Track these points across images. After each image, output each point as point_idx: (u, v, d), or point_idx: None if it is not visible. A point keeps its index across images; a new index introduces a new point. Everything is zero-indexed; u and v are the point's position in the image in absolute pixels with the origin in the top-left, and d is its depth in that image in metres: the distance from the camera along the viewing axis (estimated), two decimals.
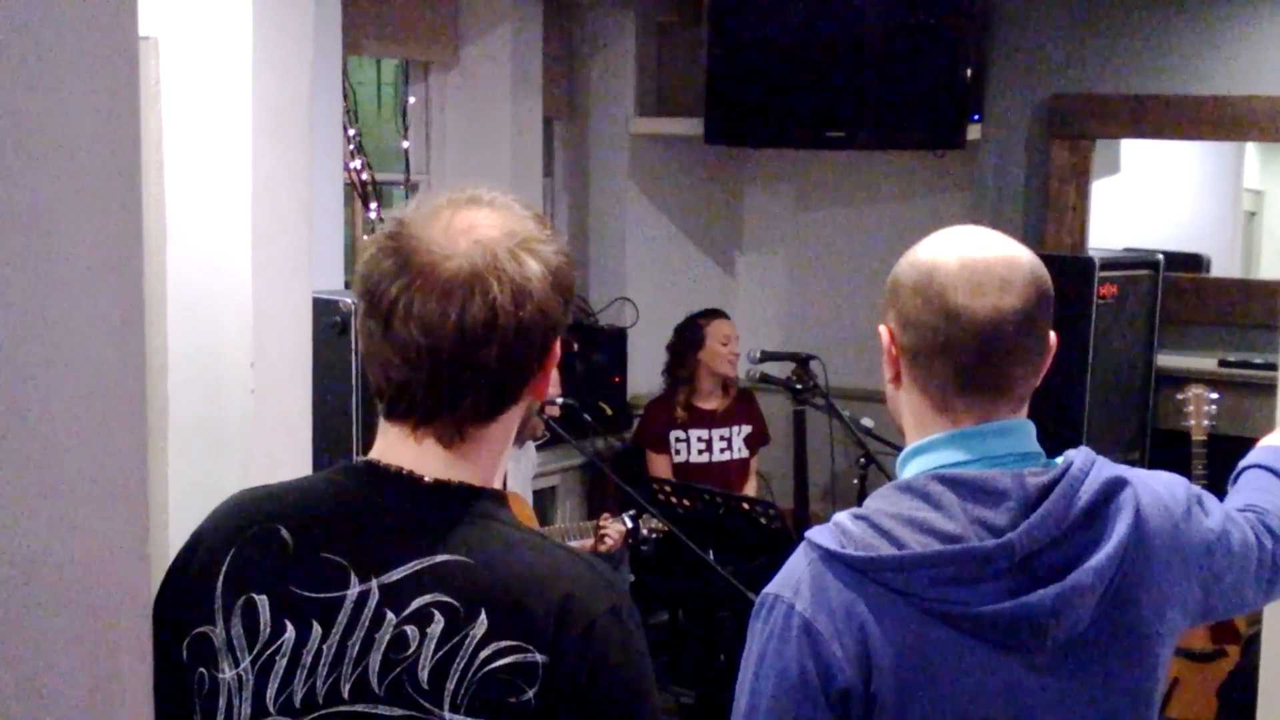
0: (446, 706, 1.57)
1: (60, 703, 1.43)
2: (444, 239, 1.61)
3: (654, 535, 5.12)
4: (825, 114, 6.35)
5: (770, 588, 1.87)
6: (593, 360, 6.49)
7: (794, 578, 1.84)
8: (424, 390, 1.62)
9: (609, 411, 6.43)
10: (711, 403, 6.29)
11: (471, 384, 1.62)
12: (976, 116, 6.31)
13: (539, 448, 5.66)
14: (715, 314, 6.33)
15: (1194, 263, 6.59)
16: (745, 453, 6.29)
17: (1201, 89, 6.03)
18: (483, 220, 1.64)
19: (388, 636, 1.60)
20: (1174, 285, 6.11)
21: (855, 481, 5.31)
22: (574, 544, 5.22)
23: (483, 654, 1.57)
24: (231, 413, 3.50)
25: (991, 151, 6.47)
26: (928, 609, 1.77)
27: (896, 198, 6.98)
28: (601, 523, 5.18)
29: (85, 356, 1.17)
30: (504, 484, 3.75)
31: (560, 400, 4.69)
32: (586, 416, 4.69)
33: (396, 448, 1.67)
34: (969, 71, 6.16)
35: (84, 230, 1.10)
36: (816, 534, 1.85)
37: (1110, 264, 5.83)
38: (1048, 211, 6.36)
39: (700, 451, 6.25)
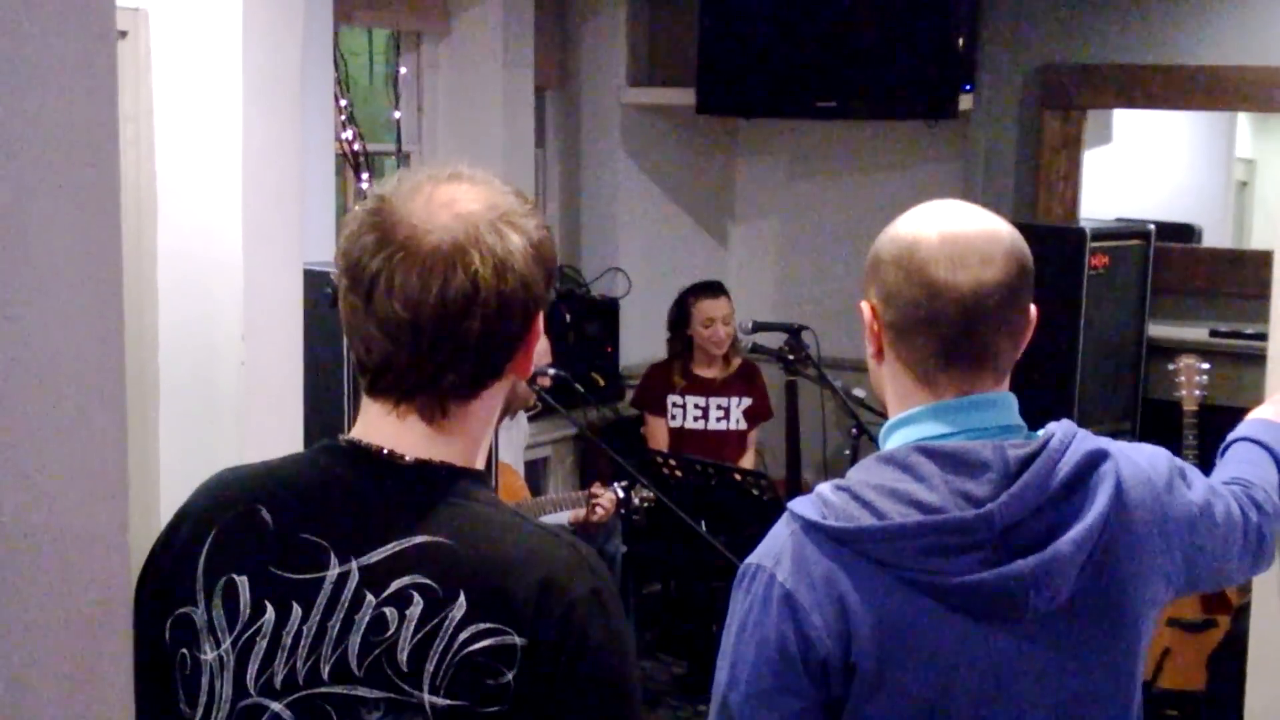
0: (426, 688, 1.56)
1: (40, 691, 1.43)
2: (425, 213, 1.60)
3: (645, 505, 5.13)
4: (817, 84, 6.34)
5: (752, 557, 1.88)
6: (585, 331, 6.50)
7: (775, 548, 1.85)
8: (406, 365, 1.62)
9: (601, 382, 6.43)
10: (710, 371, 6.30)
11: (453, 358, 1.61)
12: (968, 86, 6.31)
13: (531, 418, 5.68)
14: (705, 291, 6.28)
15: (1185, 233, 6.60)
16: (744, 425, 6.29)
17: (1194, 59, 6.03)
18: (464, 194, 1.63)
19: (367, 618, 1.59)
20: (1165, 255, 6.12)
21: (847, 452, 5.32)
22: (565, 514, 5.25)
23: (462, 636, 1.56)
24: (222, 385, 3.51)
25: (983, 121, 6.48)
26: (908, 579, 1.78)
27: (888, 168, 6.99)
28: (593, 492, 5.20)
29: (61, 342, 1.17)
30: (494, 456, 3.77)
31: (552, 371, 4.70)
32: (578, 387, 4.70)
33: (378, 425, 1.67)
34: (961, 41, 6.17)
35: (60, 210, 1.10)
36: (798, 504, 1.86)
37: (1102, 234, 5.83)
38: (1039, 181, 6.37)
39: (696, 419, 6.26)
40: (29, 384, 1.14)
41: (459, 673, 1.56)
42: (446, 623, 1.57)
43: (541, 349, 5.23)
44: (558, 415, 4.99)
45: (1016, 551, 1.78)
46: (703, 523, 4.74)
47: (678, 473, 5.49)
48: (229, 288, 3.51)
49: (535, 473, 6.33)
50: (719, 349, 6.24)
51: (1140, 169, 7.23)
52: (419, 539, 1.60)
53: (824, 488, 1.87)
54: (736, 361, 6.34)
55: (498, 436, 3.90)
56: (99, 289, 1.17)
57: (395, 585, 1.59)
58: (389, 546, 1.61)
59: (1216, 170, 7.78)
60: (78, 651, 1.43)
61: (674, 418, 6.25)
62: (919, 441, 1.86)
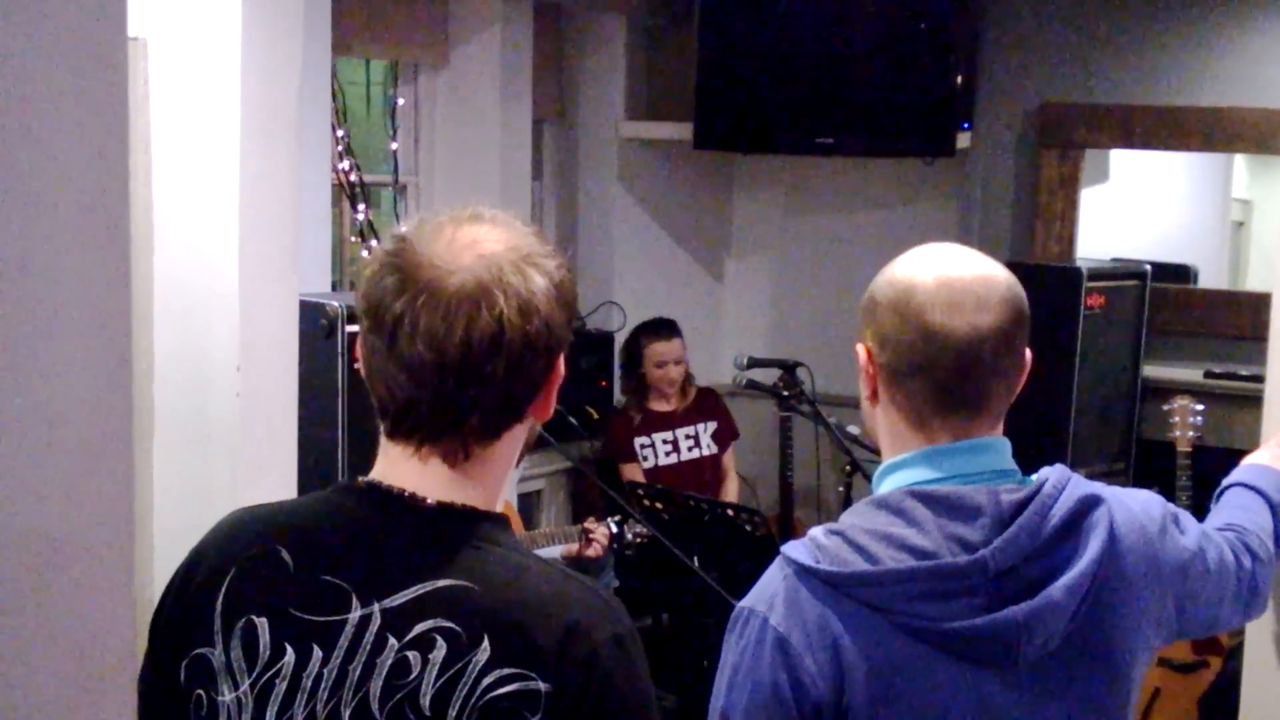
0: None
1: None
2: (448, 254, 1.60)
3: (638, 540, 5.12)
4: (815, 120, 6.35)
5: (745, 601, 1.88)
6: (579, 364, 6.49)
7: (768, 592, 1.85)
8: (429, 407, 1.61)
9: (595, 415, 6.42)
10: (668, 405, 6.29)
11: (477, 400, 1.61)
12: (966, 124, 6.32)
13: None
14: (657, 332, 6.26)
15: (1182, 273, 6.59)
16: (715, 449, 6.29)
17: (1192, 100, 6.04)
18: (485, 235, 1.63)
19: (389, 662, 1.58)
20: (1161, 296, 6.12)
21: (840, 489, 5.32)
22: (558, 548, 5.23)
23: (485, 681, 1.55)
24: (217, 416, 3.50)
25: (981, 160, 6.48)
26: (901, 624, 1.78)
27: (885, 205, 6.99)
28: (588, 526, 5.19)
29: (69, 377, 1.16)
30: None
31: None
32: (572, 420, 4.69)
33: (399, 467, 1.66)
34: (959, 79, 6.17)
35: (70, 244, 1.10)
36: (791, 548, 1.86)
37: (1098, 274, 5.84)
38: (1036, 220, 6.37)
39: (668, 454, 6.25)
40: (37, 428, 1.14)
41: (483, 717, 1.55)
42: (470, 667, 1.56)
43: None
44: (551, 448, 4.98)
45: (1009, 597, 1.78)
46: (695, 558, 4.73)
47: (671, 508, 5.48)
48: (225, 318, 3.50)
49: (529, 505, 6.32)
50: (671, 389, 6.25)
51: (1136, 209, 7.24)
52: (442, 582, 1.60)
53: (817, 531, 1.86)
54: (692, 391, 6.34)
55: None
56: (107, 322, 1.17)
57: (418, 629, 1.58)
58: (412, 590, 1.60)
59: (1213, 211, 7.79)
60: (81, 709, 1.39)
61: (645, 459, 6.22)
62: (912, 486, 1.85)
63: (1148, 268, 6.07)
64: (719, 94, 6.44)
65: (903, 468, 1.89)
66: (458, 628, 1.57)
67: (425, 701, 1.56)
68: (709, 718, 1.89)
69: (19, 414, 1.08)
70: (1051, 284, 5.61)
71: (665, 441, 6.26)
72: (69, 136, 1.11)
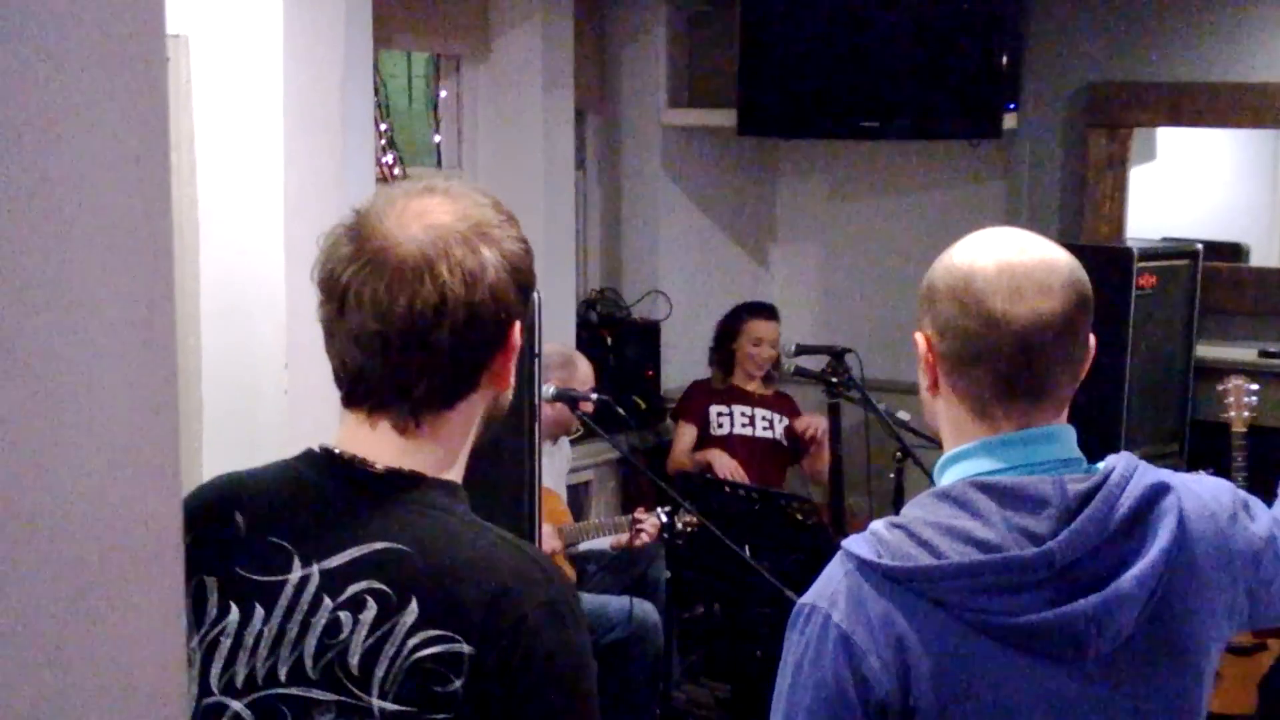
0: (375, 693, 1.58)
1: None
2: (397, 226, 1.63)
3: (688, 530, 5.09)
4: (859, 104, 6.31)
5: (806, 597, 1.84)
6: (626, 354, 6.48)
7: (830, 587, 1.81)
8: (377, 376, 1.64)
9: (642, 405, 6.41)
10: (750, 386, 6.37)
11: (424, 369, 1.63)
12: (1012, 105, 6.26)
13: (573, 442, 5.65)
14: (759, 311, 6.37)
15: (1233, 252, 6.52)
16: (786, 442, 6.31)
17: (1240, 76, 5.97)
18: (436, 207, 1.66)
19: (323, 621, 1.62)
20: (1213, 275, 6.05)
21: (891, 475, 5.26)
22: (608, 539, 5.21)
23: (411, 642, 1.58)
24: (265, 414, 3.50)
25: (1028, 141, 6.43)
26: (967, 619, 1.74)
27: (931, 188, 6.94)
28: (637, 516, 5.16)
29: (111, 395, 1.13)
30: (538, 481, 3.74)
31: (594, 395, 4.67)
32: (620, 411, 4.65)
33: (354, 435, 1.69)
34: (1005, 60, 6.12)
35: (108, 255, 1.07)
36: (853, 543, 1.82)
37: (1149, 254, 5.78)
38: (1085, 201, 6.31)
39: (744, 425, 6.29)
40: (78, 451, 1.11)
41: (408, 678, 1.58)
42: (397, 628, 1.59)
43: (585, 376, 5.24)
44: (599, 439, 4.96)
45: (1078, 590, 1.74)
46: (746, 547, 4.70)
47: (732, 496, 5.47)
48: (271, 316, 3.50)
49: (577, 497, 6.30)
50: (759, 370, 6.32)
51: (1186, 187, 7.16)
52: (378, 545, 1.63)
53: (878, 525, 1.83)
54: (773, 388, 6.42)
55: (541, 461, 3.88)
56: (150, 339, 1.14)
57: (351, 590, 1.62)
58: (349, 552, 1.63)
59: (1263, 188, 7.70)
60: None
61: (720, 425, 6.27)
62: (976, 476, 1.82)
63: (1199, 246, 6.00)
64: (762, 80, 6.40)
65: (965, 458, 1.85)
66: (388, 589, 1.60)
67: (354, 661, 1.59)
68: (771, 716, 1.85)
69: (58, 434, 1.06)
70: (1102, 265, 5.53)
71: (744, 414, 6.31)
72: (104, 142, 1.09)
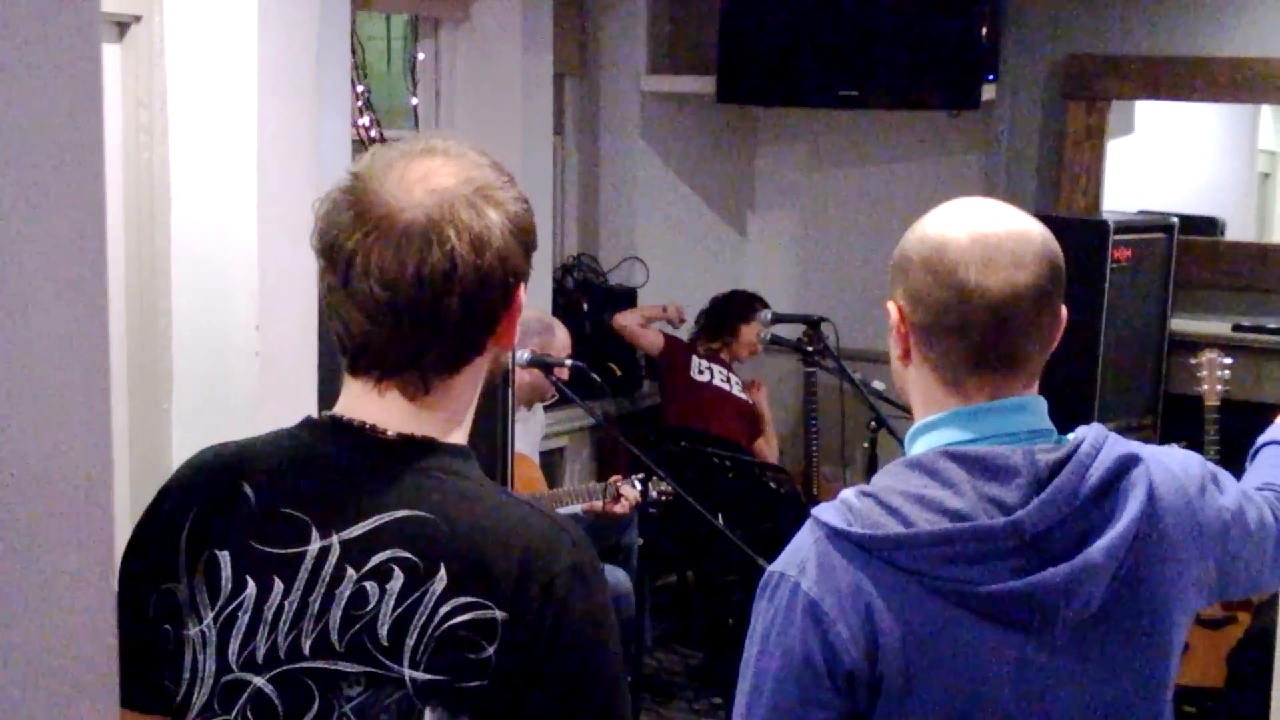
0: (406, 663, 1.56)
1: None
2: (399, 190, 1.59)
3: (663, 498, 5.09)
4: (838, 73, 6.30)
5: (775, 565, 1.84)
6: (602, 320, 6.46)
7: (800, 555, 1.81)
8: (386, 344, 1.61)
9: (618, 372, 6.41)
10: (725, 356, 6.50)
11: (434, 336, 1.61)
12: (991, 76, 6.25)
13: (547, 409, 5.64)
14: (761, 309, 6.39)
15: (1209, 226, 6.53)
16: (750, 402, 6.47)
17: (1219, 50, 5.97)
18: (438, 169, 1.62)
19: (348, 593, 1.59)
20: (1189, 248, 6.06)
21: (865, 445, 5.26)
22: (581, 506, 5.21)
23: (442, 610, 1.56)
24: (236, 375, 3.47)
25: (1006, 112, 6.42)
26: (936, 588, 1.74)
27: (910, 158, 6.93)
28: (616, 483, 5.14)
29: (46, 343, 1.12)
30: (510, 447, 3.71)
31: (569, 362, 4.66)
32: (595, 377, 4.65)
33: (360, 402, 1.66)
34: (984, 31, 6.11)
35: (36, 200, 1.05)
36: (823, 511, 1.82)
37: (1124, 227, 5.78)
38: (1062, 173, 6.31)
39: (723, 382, 6.40)
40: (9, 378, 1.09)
41: (439, 647, 1.56)
42: (427, 597, 1.57)
43: (562, 342, 5.22)
44: (574, 406, 4.96)
45: (1047, 560, 1.74)
46: (719, 515, 4.71)
47: (708, 463, 5.49)
48: (243, 277, 3.47)
49: (552, 463, 6.30)
50: (745, 359, 6.56)
51: (1163, 161, 7.17)
52: (400, 513, 1.60)
53: (849, 493, 1.82)
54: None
55: (514, 427, 3.86)
56: (82, 279, 1.12)
57: (376, 560, 1.59)
58: (370, 521, 1.60)
59: (1240, 163, 7.72)
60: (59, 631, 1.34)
61: (702, 374, 6.37)
62: (947, 446, 1.81)
63: (1175, 220, 6.01)
64: (742, 47, 6.39)
65: (936, 428, 1.84)
66: (414, 558, 1.58)
67: (383, 631, 1.57)
68: (739, 683, 1.85)
69: None
70: (1078, 237, 5.55)
71: (723, 374, 6.43)
72: (35, 98, 1.07)
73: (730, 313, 6.49)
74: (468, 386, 1.69)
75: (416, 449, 1.64)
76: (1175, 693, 1.91)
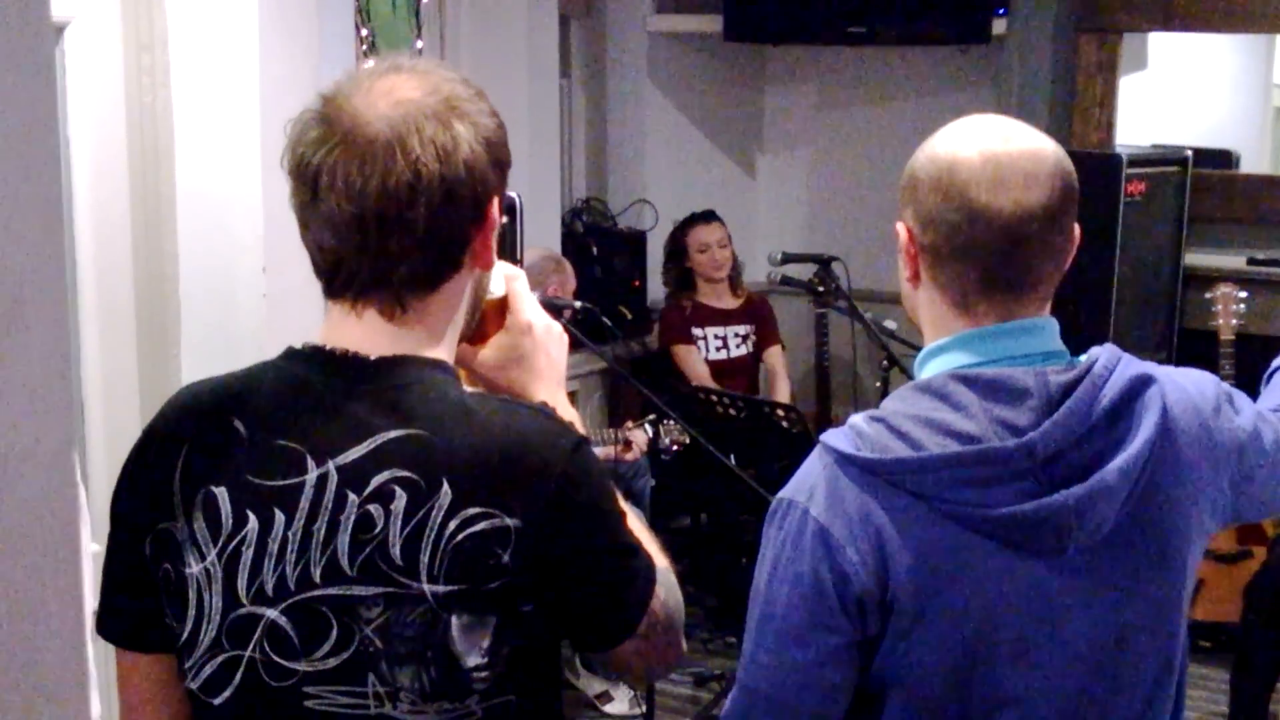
0: (425, 578, 1.57)
1: None
2: (364, 105, 1.59)
3: (674, 446, 5.08)
4: (847, 9, 6.25)
5: (784, 492, 1.82)
6: (612, 264, 6.44)
7: (808, 482, 1.79)
8: (356, 260, 1.61)
9: (629, 315, 6.38)
10: (721, 302, 6.31)
11: (403, 249, 1.60)
12: (1002, 10, 6.19)
13: None
14: (696, 220, 6.31)
15: (1223, 159, 6.48)
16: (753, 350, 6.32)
17: None
18: (403, 84, 1.62)
19: (353, 518, 1.59)
20: (1203, 182, 6.02)
21: (877, 384, 5.26)
22: (596, 451, 5.18)
23: (452, 524, 1.56)
24: (244, 318, 3.47)
25: (1017, 46, 6.36)
26: (946, 512, 1.72)
27: (920, 94, 6.88)
28: (628, 428, 5.13)
29: None
30: None
31: (578, 304, 4.64)
32: (606, 321, 4.63)
33: (340, 327, 1.66)
34: None
35: None
36: (831, 436, 1.80)
37: (1138, 161, 5.74)
38: (1074, 107, 6.26)
39: (718, 349, 6.25)
40: None
41: (455, 558, 1.56)
42: (434, 513, 1.57)
43: (565, 284, 5.18)
44: (585, 350, 4.94)
45: (1059, 482, 1.72)
46: (732, 456, 4.69)
47: (718, 409, 5.44)
48: (249, 221, 3.46)
49: None
50: (717, 273, 6.25)
51: (1177, 94, 7.11)
52: (394, 433, 1.60)
53: (858, 419, 1.80)
54: (744, 293, 6.36)
55: None
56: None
57: (376, 482, 1.59)
58: (365, 444, 1.60)
59: (1254, 95, 7.66)
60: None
61: (698, 348, 6.23)
62: (957, 369, 1.79)
63: (1189, 153, 5.96)
64: None
65: (946, 351, 1.82)
66: (415, 475, 1.58)
67: (395, 551, 1.57)
68: (749, 610, 1.84)
69: None
70: (1091, 171, 5.46)
71: (717, 336, 6.26)
72: None
73: (671, 259, 6.36)
74: (446, 305, 1.68)
75: (400, 368, 1.64)
76: (1191, 627, 1.89)
